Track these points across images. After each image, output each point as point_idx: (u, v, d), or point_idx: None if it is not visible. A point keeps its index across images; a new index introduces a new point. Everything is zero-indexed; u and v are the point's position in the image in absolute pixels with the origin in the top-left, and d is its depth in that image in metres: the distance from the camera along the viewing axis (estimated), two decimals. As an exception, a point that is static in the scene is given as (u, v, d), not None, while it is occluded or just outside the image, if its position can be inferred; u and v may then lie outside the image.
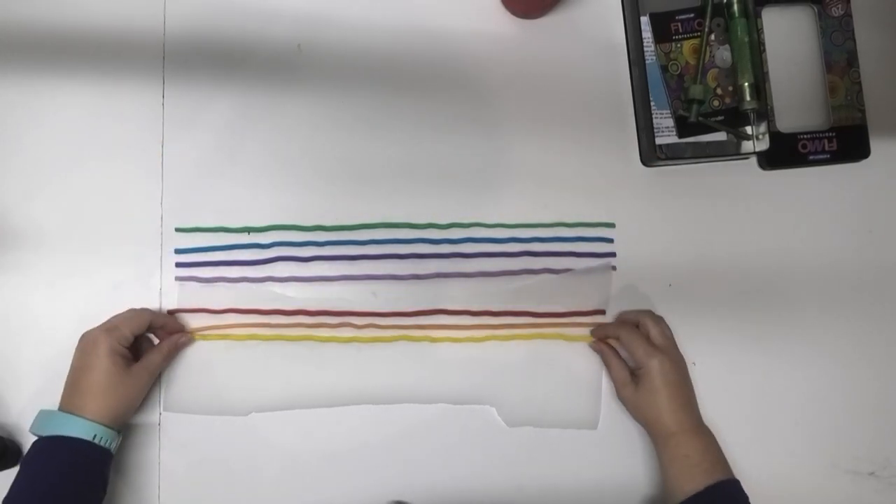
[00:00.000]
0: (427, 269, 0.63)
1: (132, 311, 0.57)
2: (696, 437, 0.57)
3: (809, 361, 0.66)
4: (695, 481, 0.54)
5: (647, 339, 0.59)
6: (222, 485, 0.59)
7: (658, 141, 0.64)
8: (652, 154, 0.65)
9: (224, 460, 0.60)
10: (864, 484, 0.65)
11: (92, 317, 0.58)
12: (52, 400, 0.53)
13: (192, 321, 0.61)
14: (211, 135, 0.63)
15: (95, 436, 0.51)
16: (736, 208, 0.67)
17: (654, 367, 0.57)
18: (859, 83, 0.66)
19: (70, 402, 0.52)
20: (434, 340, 0.62)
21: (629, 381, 0.59)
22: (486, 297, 0.63)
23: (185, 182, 0.62)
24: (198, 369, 0.60)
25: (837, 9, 0.67)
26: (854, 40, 0.67)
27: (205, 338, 0.60)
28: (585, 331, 0.63)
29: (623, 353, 0.61)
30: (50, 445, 0.51)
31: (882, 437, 0.66)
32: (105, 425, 0.52)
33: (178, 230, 0.61)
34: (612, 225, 0.65)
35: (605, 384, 0.63)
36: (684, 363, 0.59)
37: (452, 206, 0.64)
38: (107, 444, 0.52)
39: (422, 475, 0.61)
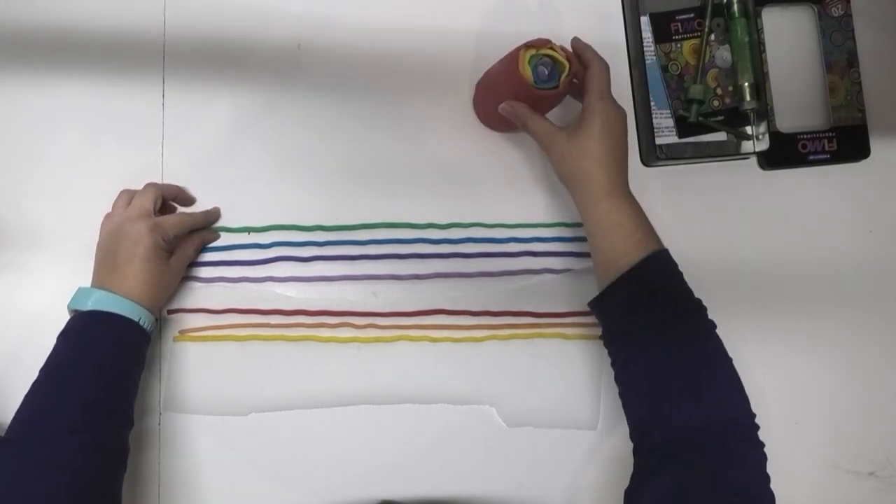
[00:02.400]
0: (427, 269, 0.63)
1: (178, 216, 0.59)
2: (628, 202, 0.53)
3: (809, 361, 0.66)
4: (630, 254, 0.51)
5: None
6: (222, 485, 0.59)
7: (658, 141, 0.64)
8: (652, 154, 0.65)
9: (224, 460, 0.60)
10: (864, 484, 0.65)
11: (92, 317, 0.58)
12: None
13: (192, 321, 0.61)
14: (211, 135, 0.63)
15: (141, 318, 0.53)
16: (736, 208, 0.67)
17: (602, 110, 0.53)
18: (859, 83, 0.66)
19: (112, 284, 0.53)
20: (434, 340, 0.62)
21: (559, 130, 0.55)
22: (486, 297, 0.63)
23: (185, 182, 0.62)
24: (198, 369, 0.60)
25: (837, 9, 0.67)
26: (854, 40, 0.67)
27: (205, 338, 0.60)
28: (585, 331, 0.63)
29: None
30: (100, 319, 0.52)
31: (882, 437, 0.66)
32: (148, 311, 0.54)
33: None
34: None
35: (605, 385, 0.63)
36: (626, 119, 0.55)
37: (452, 206, 0.64)
38: (149, 329, 0.54)
39: (422, 475, 0.61)
